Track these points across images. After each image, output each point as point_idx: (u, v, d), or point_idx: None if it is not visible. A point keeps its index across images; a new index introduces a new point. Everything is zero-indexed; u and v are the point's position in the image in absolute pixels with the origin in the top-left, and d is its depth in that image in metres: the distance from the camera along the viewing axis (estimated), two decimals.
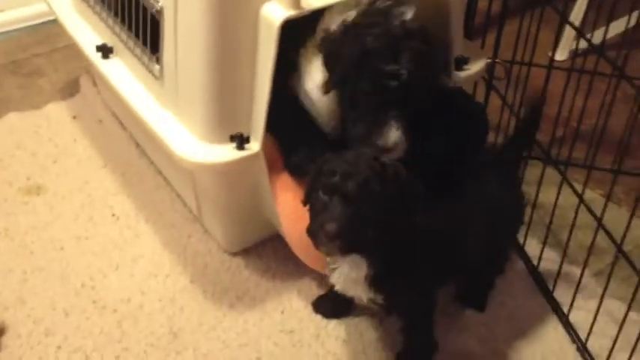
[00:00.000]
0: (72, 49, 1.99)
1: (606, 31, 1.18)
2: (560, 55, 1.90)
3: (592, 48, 1.23)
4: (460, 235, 1.16)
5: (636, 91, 1.13)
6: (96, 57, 1.47)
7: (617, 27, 1.64)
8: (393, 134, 1.14)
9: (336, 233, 0.98)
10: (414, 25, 1.18)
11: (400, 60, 1.13)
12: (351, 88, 1.16)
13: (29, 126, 1.73)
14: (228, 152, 1.24)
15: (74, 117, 1.76)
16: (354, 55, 1.14)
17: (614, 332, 1.22)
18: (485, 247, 1.23)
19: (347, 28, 1.17)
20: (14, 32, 2.10)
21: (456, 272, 1.26)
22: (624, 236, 1.17)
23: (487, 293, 1.36)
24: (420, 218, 1.07)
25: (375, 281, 1.10)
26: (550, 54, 1.64)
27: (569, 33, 1.87)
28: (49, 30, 2.09)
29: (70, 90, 1.86)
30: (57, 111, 1.78)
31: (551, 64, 1.36)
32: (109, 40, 1.47)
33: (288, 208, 1.29)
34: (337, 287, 1.15)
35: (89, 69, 1.86)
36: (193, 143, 1.26)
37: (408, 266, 1.10)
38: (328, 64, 1.19)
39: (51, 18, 2.08)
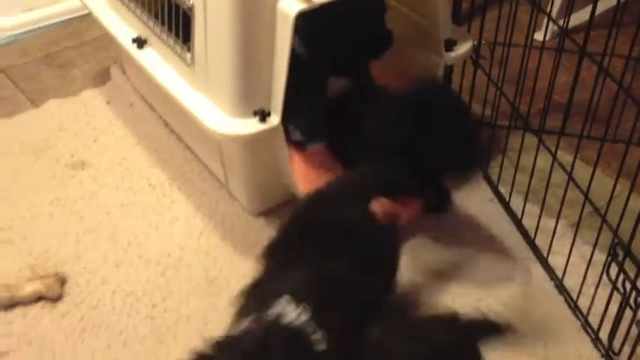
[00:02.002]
0: (99, 42, 2.21)
1: (569, 14, 1.38)
2: (542, 36, 2.09)
3: (559, 29, 1.44)
4: None
5: (598, 66, 1.34)
6: (132, 48, 1.66)
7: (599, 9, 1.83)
8: None
9: None
10: None
11: None
12: None
13: (69, 110, 1.92)
14: (252, 125, 1.43)
15: (107, 102, 1.96)
16: None
17: (588, 272, 1.43)
18: None
19: None
20: (45, 28, 2.28)
21: None
22: (589, 186, 1.38)
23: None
24: None
25: None
26: (536, 35, 1.87)
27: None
28: (77, 25, 2.29)
29: (101, 78, 2.05)
30: (92, 97, 1.97)
31: (527, 44, 1.56)
32: (143, 32, 1.66)
33: (303, 173, 1.50)
34: None
35: (117, 59, 2.07)
36: (222, 118, 1.45)
37: None
38: None
39: (78, 14, 2.30)
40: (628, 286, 1.26)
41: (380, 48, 1.57)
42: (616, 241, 1.28)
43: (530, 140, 1.55)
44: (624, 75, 1.36)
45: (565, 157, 1.61)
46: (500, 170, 1.67)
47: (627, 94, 1.29)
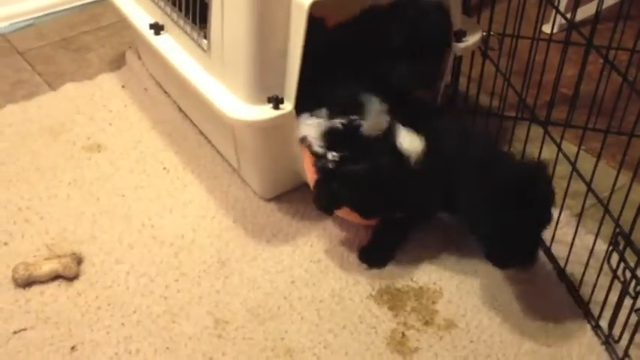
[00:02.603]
0: (115, 27, 2.25)
1: (576, 7, 1.41)
2: (549, 29, 2.12)
3: (567, 22, 1.47)
4: None
5: (603, 59, 1.37)
6: (149, 34, 1.70)
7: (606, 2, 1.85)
8: None
9: None
10: None
11: None
12: None
13: (85, 94, 1.96)
14: (266, 111, 1.47)
15: (123, 86, 2.00)
16: None
17: (590, 261, 1.47)
18: None
19: None
20: (62, 12, 2.32)
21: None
22: (592, 177, 1.41)
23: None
24: None
25: None
26: (544, 28, 1.91)
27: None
28: (93, 10, 2.33)
29: (116, 63, 2.10)
30: (107, 81, 2.02)
31: (534, 37, 1.59)
32: (160, 19, 1.70)
33: (313, 161, 1.53)
34: None
35: (132, 44, 2.11)
36: (237, 104, 1.49)
37: None
38: None
39: None
40: (628, 274, 1.30)
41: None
42: (617, 230, 1.32)
43: (537, 131, 1.58)
44: (628, 68, 1.39)
45: (570, 148, 1.65)
46: None
47: (632, 87, 1.32)
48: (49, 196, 1.67)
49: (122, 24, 2.18)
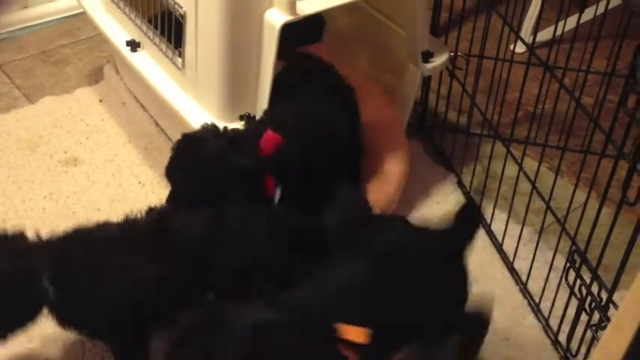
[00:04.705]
0: (93, 41, 2.27)
1: (535, 33, 1.47)
2: (520, 48, 2.18)
3: (526, 46, 1.52)
4: None
5: (557, 80, 1.43)
6: (126, 50, 1.74)
7: (570, 23, 1.91)
8: None
9: None
10: None
11: None
12: None
13: (63, 108, 1.99)
14: None
15: (100, 100, 2.03)
16: None
17: (550, 276, 1.52)
18: None
19: None
20: (42, 25, 2.34)
21: None
22: (551, 194, 1.47)
23: None
24: None
25: None
26: (511, 47, 1.96)
27: (526, 30, 2.14)
28: (72, 24, 2.35)
29: (95, 77, 2.12)
30: (85, 95, 2.04)
31: (498, 57, 1.65)
32: (137, 36, 1.74)
33: None
34: None
35: (111, 58, 2.14)
36: (210, 121, 1.54)
37: None
38: None
39: (73, 13, 2.37)
40: (584, 291, 1.35)
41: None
42: (574, 248, 1.37)
43: (502, 148, 1.63)
44: (584, 87, 1.45)
45: (534, 165, 1.70)
46: (472, 177, 1.75)
47: (581, 106, 1.38)
48: (25, 209, 1.70)
49: (101, 38, 2.20)
